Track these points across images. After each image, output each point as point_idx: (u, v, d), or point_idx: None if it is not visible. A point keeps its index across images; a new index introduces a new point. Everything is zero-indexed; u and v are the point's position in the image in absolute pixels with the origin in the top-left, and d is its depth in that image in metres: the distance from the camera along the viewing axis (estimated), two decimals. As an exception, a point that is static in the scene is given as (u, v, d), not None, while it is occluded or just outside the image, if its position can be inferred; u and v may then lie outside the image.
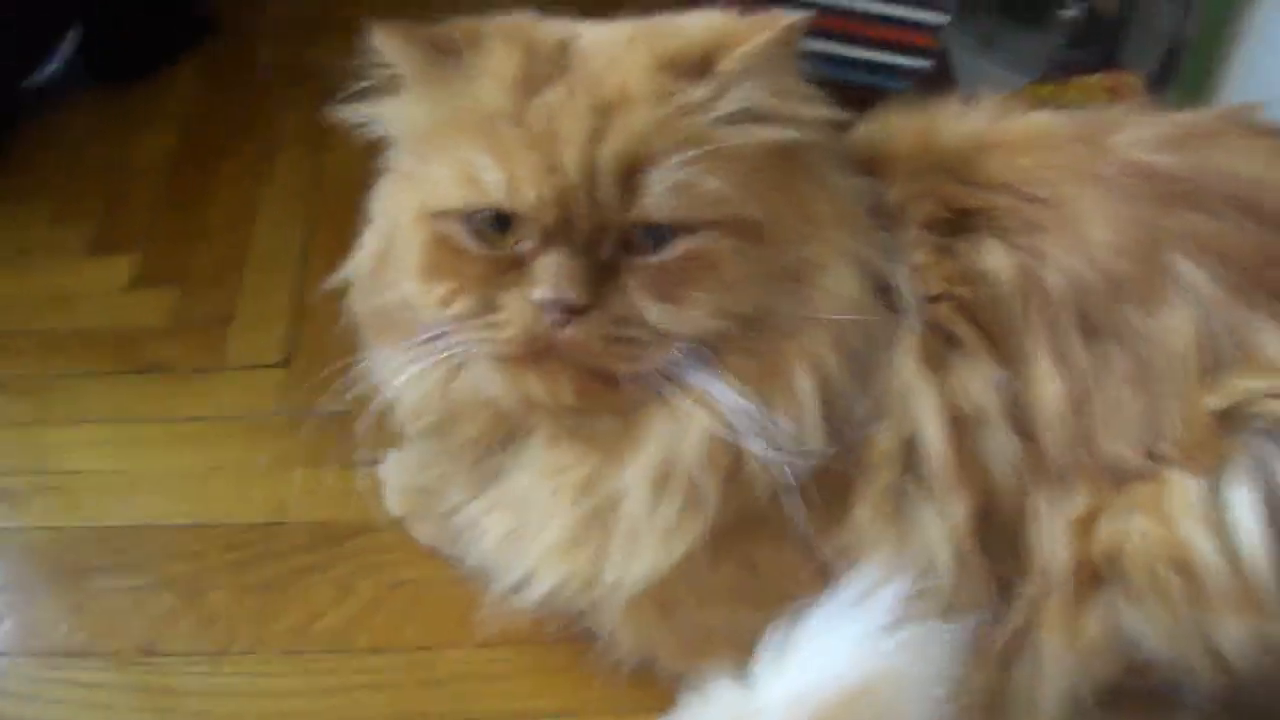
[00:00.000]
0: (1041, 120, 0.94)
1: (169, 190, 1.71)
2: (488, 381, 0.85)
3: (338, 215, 1.56)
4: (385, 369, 0.92)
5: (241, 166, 1.74)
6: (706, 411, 0.82)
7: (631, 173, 0.76)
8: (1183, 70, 1.69)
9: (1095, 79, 1.75)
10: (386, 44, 0.82)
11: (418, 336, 0.87)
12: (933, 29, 1.68)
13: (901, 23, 1.67)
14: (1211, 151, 0.87)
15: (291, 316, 1.49)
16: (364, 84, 0.85)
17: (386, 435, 0.96)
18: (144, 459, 1.33)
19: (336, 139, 0.90)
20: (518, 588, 0.93)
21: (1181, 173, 0.85)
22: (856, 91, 1.23)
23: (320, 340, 1.42)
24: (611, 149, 0.76)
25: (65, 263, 1.60)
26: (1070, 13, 1.82)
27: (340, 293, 0.96)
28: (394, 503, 1.21)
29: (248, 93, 1.88)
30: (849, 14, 1.63)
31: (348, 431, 0.93)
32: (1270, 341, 0.81)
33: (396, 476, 1.22)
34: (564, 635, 1.05)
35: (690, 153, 0.76)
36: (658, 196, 0.76)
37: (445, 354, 0.85)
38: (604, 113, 0.77)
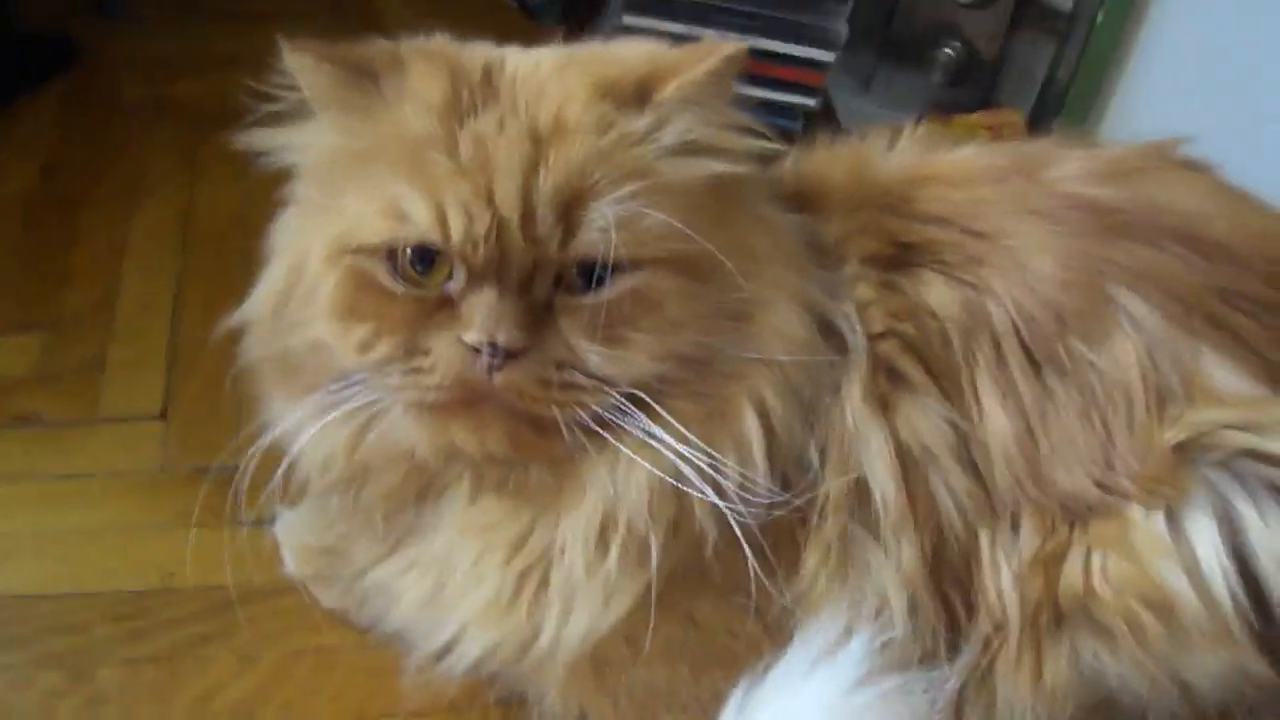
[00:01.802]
0: (972, 154, 0.93)
1: (31, 228, 1.60)
2: (406, 432, 0.80)
3: (212, 254, 1.50)
4: (286, 421, 0.85)
5: (107, 204, 1.63)
6: (649, 458, 0.77)
7: (570, 206, 0.72)
8: (1065, 109, 1.74)
9: (976, 117, 1.80)
10: (297, 65, 0.76)
11: (327, 385, 0.81)
12: (821, 67, 1.70)
13: (795, 60, 1.69)
14: (1144, 185, 0.88)
15: (168, 364, 1.39)
16: (268, 108, 0.80)
17: (280, 491, 0.88)
18: (14, 521, 1.21)
19: (207, 174, 0.83)
20: (442, 653, 0.88)
21: (1119, 205, 0.85)
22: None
23: (201, 389, 1.34)
24: (551, 181, 0.72)
25: (-83, 308, 1.48)
26: (948, 53, 1.86)
27: (227, 338, 0.88)
28: (293, 565, 1.13)
29: (112, 126, 1.79)
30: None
31: (238, 488, 0.85)
32: (1215, 370, 0.81)
33: (294, 536, 1.13)
34: (494, 700, 0.99)
35: (632, 186, 0.73)
36: (599, 232, 0.72)
37: (359, 404, 0.80)
38: (540, 142, 0.73)
